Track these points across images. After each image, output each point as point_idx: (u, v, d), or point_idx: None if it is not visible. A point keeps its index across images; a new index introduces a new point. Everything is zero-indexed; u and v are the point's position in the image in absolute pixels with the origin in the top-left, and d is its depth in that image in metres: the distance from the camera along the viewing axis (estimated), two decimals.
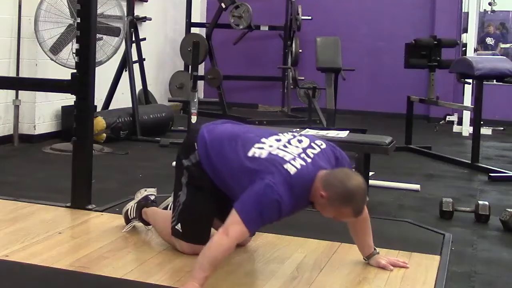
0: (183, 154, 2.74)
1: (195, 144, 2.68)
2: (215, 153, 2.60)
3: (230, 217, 2.37)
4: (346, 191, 2.37)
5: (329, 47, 6.23)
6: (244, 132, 2.65)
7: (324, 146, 2.58)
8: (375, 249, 2.75)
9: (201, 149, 2.65)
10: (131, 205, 3.11)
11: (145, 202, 3.07)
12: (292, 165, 2.42)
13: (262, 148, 2.51)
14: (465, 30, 8.40)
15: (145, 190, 3.16)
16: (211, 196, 2.68)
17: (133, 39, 6.71)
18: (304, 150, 2.52)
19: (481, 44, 9.43)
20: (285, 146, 2.53)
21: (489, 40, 9.43)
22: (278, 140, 2.56)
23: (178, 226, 2.73)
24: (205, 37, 8.33)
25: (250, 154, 2.50)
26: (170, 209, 3.02)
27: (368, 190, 3.96)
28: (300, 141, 2.57)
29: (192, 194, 2.70)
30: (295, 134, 2.67)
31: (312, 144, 2.56)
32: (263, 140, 2.56)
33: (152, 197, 3.12)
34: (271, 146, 2.52)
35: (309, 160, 2.48)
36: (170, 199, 3.11)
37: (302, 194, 2.43)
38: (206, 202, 2.70)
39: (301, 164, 2.44)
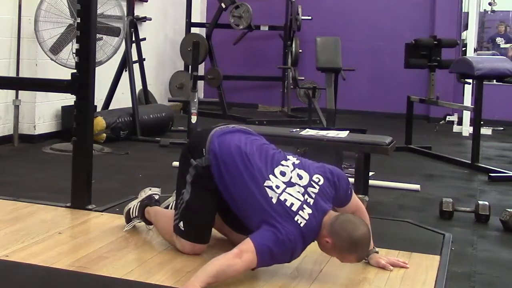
0: (190, 154, 2.73)
1: (203, 150, 2.68)
2: (227, 170, 2.63)
3: (246, 244, 2.44)
4: (351, 242, 2.46)
5: (329, 47, 6.23)
6: (252, 154, 2.64)
7: (321, 182, 2.60)
8: (374, 247, 2.76)
9: (212, 159, 2.66)
10: (133, 204, 3.11)
11: (149, 201, 3.07)
12: (301, 216, 2.50)
13: (271, 187, 2.55)
14: (466, 29, 8.39)
15: (150, 189, 3.16)
16: (214, 197, 2.69)
17: (133, 39, 6.71)
18: (306, 189, 2.56)
19: (491, 43, 9.44)
20: (290, 185, 2.56)
21: (499, 40, 9.44)
22: (283, 174, 2.59)
23: (181, 224, 2.73)
24: (205, 37, 8.33)
25: (263, 191, 2.55)
26: (171, 208, 3.02)
27: (368, 190, 4.00)
28: (300, 177, 2.59)
29: (196, 193, 2.70)
30: (295, 162, 2.66)
31: (312, 182, 2.59)
32: (271, 177, 2.58)
33: (156, 197, 3.12)
34: (278, 187, 2.55)
35: (312, 202, 2.54)
36: (171, 199, 3.11)
37: (311, 241, 2.56)
38: (210, 202, 2.70)
39: (308, 214, 2.51)
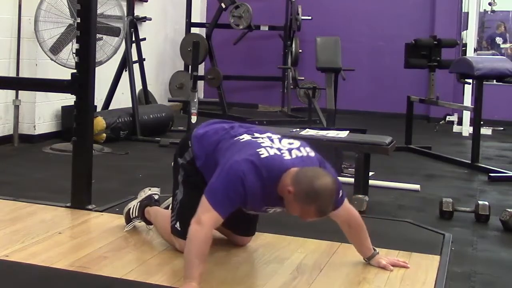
0: (178, 153, 2.78)
1: (189, 142, 2.72)
2: (207, 143, 2.64)
3: (201, 205, 2.39)
4: (311, 189, 2.30)
5: (329, 47, 6.23)
6: (238, 127, 2.68)
7: (312, 154, 2.54)
8: (374, 249, 2.76)
9: (194, 143, 2.68)
10: (133, 204, 3.12)
11: (148, 201, 3.08)
12: (267, 150, 2.42)
13: (247, 135, 2.54)
14: (466, 29, 8.38)
15: (149, 189, 3.17)
16: None
17: (133, 39, 6.71)
18: (290, 149, 2.49)
19: (491, 44, 9.44)
20: (271, 139, 2.53)
21: (499, 40, 9.45)
22: (269, 137, 2.55)
23: (177, 225, 2.74)
24: (205, 37, 8.33)
25: (235, 139, 2.54)
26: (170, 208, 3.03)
27: (368, 190, 4.00)
28: (290, 143, 2.55)
29: (188, 192, 2.71)
30: (289, 138, 2.64)
31: (301, 148, 2.53)
32: (254, 133, 2.58)
33: (156, 197, 3.13)
34: (256, 137, 2.53)
35: (287, 156, 2.45)
36: (171, 200, 3.11)
37: (269, 181, 2.38)
38: None
39: (275, 153, 2.43)
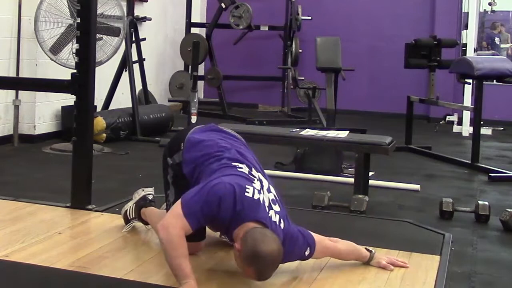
0: (168, 152, 2.76)
1: (182, 144, 2.69)
2: (199, 155, 2.59)
3: (172, 210, 2.37)
4: (253, 252, 2.24)
5: (329, 47, 6.24)
6: (236, 150, 2.60)
7: (282, 225, 2.42)
8: (370, 251, 2.73)
9: (187, 149, 2.65)
10: (129, 206, 3.11)
11: (144, 202, 3.07)
12: (253, 193, 2.36)
13: (243, 168, 2.48)
14: (466, 29, 8.39)
15: (143, 190, 3.16)
16: None
17: (133, 39, 6.71)
18: (270, 206, 2.42)
19: (490, 44, 9.45)
20: (262, 187, 2.45)
21: (498, 40, 9.46)
22: (262, 184, 2.48)
23: None
24: (205, 37, 8.33)
25: (230, 164, 2.48)
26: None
27: (368, 190, 4.00)
28: (273, 200, 2.46)
29: (179, 192, 2.68)
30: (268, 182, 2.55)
31: (279, 215, 2.43)
32: (253, 170, 2.50)
33: (150, 197, 3.12)
34: (253, 176, 2.47)
35: (263, 211, 2.37)
36: None
37: (237, 218, 2.34)
38: None
39: (259, 199, 2.37)
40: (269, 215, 2.39)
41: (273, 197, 2.48)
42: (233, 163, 2.50)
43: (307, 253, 2.50)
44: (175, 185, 2.72)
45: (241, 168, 2.49)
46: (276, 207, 2.45)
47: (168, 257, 2.34)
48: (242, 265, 2.31)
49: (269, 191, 2.48)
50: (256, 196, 2.39)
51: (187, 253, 2.34)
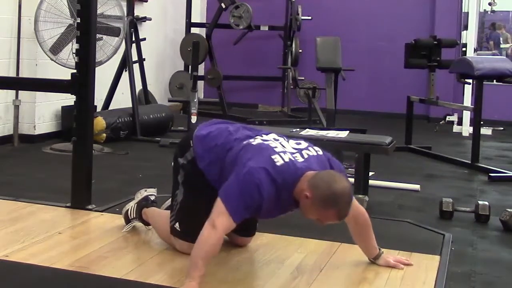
0: (179, 153, 2.76)
1: (191, 141, 2.70)
2: (211, 143, 2.62)
3: (216, 207, 2.37)
4: (330, 194, 2.31)
5: (329, 47, 6.23)
6: (240, 128, 2.67)
7: (321, 153, 2.56)
8: (379, 249, 2.75)
9: (196, 144, 2.67)
10: (131, 206, 3.12)
11: (146, 203, 3.07)
12: (281, 157, 2.41)
13: (256, 139, 2.53)
14: (466, 29, 8.39)
15: (145, 191, 3.16)
16: (207, 194, 2.67)
17: (133, 39, 6.71)
18: (300, 150, 2.51)
19: (494, 44, 9.46)
20: (281, 144, 2.53)
21: (500, 40, 9.47)
22: (276, 140, 2.56)
23: (177, 225, 2.74)
24: (205, 37, 8.33)
25: (244, 142, 2.52)
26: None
27: (368, 190, 4.00)
28: (298, 143, 2.56)
29: (188, 193, 2.70)
30: (294, 137, 2.67)
31: (310, 147, 2.55)
32: (261, 135, 2.57)
33: (152, 197, 3.12)
34: (266, 140, 2.53)
35: (300, 159, 2.45)
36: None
37: (285, 188, 2.39)
38: (203, 200, 2.69)
39: (290, 159, 2.42)
40: (306, 156, 2.46)
41: (295, 141, 2.56)
42: (245, 141, 2.51)
43: None
44: (185, 184, 2.72)
45: (254, 141, 2.50)
46: (303, 144, 2.54)
47: (195, 251, 2.35)
48: (319, 211, 2.35)
49: (287, 140, 2.55)
50: (286, 158, 2.41)
51: (211, 259, 2.37)
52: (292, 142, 2.57)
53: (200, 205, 2.70)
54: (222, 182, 2.52)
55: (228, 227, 2.37)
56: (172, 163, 2.83)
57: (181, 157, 2.73)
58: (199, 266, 2.32)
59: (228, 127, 2.68)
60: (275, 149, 2.44)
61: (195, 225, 2.72)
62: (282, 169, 2.38)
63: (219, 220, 2.34)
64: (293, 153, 2.47)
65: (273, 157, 2.40)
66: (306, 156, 2.48)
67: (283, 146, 2.51)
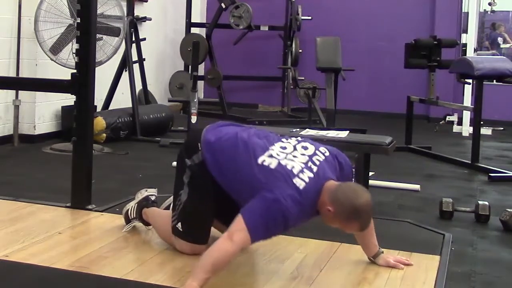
0: (185, 153, 2.73)
1: (199, 144, 2.68)
2: (223, 155, 2.60)
3: (236, 223, 2.36)
4: (353, 209, 2.40)
5: (329, 47, 6.23)
6: (250, 136, 2.63)
7: (327, 153, 2.58)
8: (379, 248, 2.76)
9: (206, 150, 2.64)
10: (131, 205, 3.11)
11: (146, 203, 3.07)
12: (301, 178, 2.43)
13: (271, 156, 2.51)
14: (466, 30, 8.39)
15: (146, 191, 3.16)
16: (212, 196, 2.68)
17: (133, 39, 6.71)
18: (310, 157, 2.53)
19: (492, 44, 9.46)
20: (293, 155, 2.52)
21: (500, 40, 9.47)
22: (284, 148, 2.56)
23: (179, 225, 2.73)
24: (205, 37, 8.33)
25: (260, 161, 2.50)
26: (171, 208, 3.02)
27: (368, 190, 3.99)
28: (305, 148, 2.57)
29: (193, 193, 2.69)
30: (299, 139, 2.66)
31: (317, 152, 2.57)
32: (271, 147, 2.55)
33: (153, 198, 3.12)
34: (278, 154, 2.52)
35: (315, 168, 2.49)
36: (171, 199, 3.10)
37: (310, 207, 2.46)
38: (207, 202, 2.70)
39: (309, 177, 2.45)
40: (318, 163, 2.51)
41: (303, 145, 2.58)
42: (261, 159, 2.50)
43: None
44: (190, 185, 2.70)
45: (270, 163, 2.48)
46: (311, 149, 2.57)
47: (207, 255, 2.34)
48: (343, 223, 2.45)
49: (295, 146, 2.57)
50: (305, 177, 2.44)
51: (219, 271, 2.36)
52: (300, 148, 2.57)
53: (204, 206, 2.70)
54: (239, 192, 2.54)
55: (244, 244, 2.37)
56: (176, 162, 2.81)
57: (188, 158, 2.70)
58: (207, 270, 2.31)
59: (237, 134, 2.64)
60: (293, 170, 2.45)
61: (198, 226, 2.73)
62: (306, 191, 2.42)
63: (238, 235, 2.34)
64: (307, 164, 2.49)
65: (294, 181, 2.42)
66: (318, 163, 2.52)
67: (295, 157, 2.51)
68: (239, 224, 2.35)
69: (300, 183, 2.41)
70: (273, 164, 2.47)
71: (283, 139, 2.63)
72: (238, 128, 2.73)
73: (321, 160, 2.53)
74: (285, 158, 2.50)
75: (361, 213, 2.42)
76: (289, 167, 2.46)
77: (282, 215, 2.36)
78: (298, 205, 2.39)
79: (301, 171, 2.45)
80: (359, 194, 2.43)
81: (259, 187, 2.42)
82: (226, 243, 2.33)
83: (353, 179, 2.68)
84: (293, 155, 2.53)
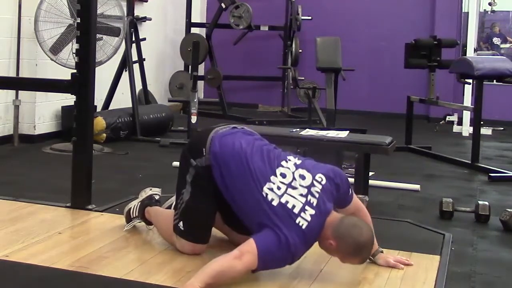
0: (189, 154, 2.73)
1: (204, 149, 2.68)
2: (229, 171, 2.62)
3: (248, 245, 2.43)
4: (356, 246, 2.47)
5: (329, 47, 6.23)
6: (253, 154, 2.63)
7: (324, 181, 2.59)
8: (378, 248, 2.76)
9: (213, 159, 2.65)
10: (134, 204, 3.11)
11: (149, 201, 3.07)
12: (303, 218, 2.48)
13: (272, 190, 2.53)
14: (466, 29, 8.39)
15: (150, 189, 3.16)
16: (215, 197, 2.68)
17: (133, 39, 6.71)
18: (309, 189, 2.55)
19: (488, 44, 9.46)
20: (292, 187, 2.55)
21: (496, 40, 9.46)
22: (284, 176, 2.57)
23: (180, 224, 2.73)
24: (205, 37, 8.33)
25: (263, 193, 2.53)
26: (173, 207, 3.02)
27: (368, 190, 4.00)
28: (303, 178, 2.58)
29: (196, 193, 2.69)
30: (297, 162, 2.65)
31: (314, 182, 2.57)
32: (272, 178, 2.57)
33: (157, 197, 3.12)
34: (279, 188, 2.54)
35: (315, 202, 2.52)
36: (173, 199, 3.10)
37: (313, 241, 2.54)
38: (210, 202, 2.70)
39: (311, 215, 2.49)
40: (317, 194, 2.53)
41: (300, 173, 2.59)
42: (264, 196, 2.52)
43: (350, 193, 2.70)
44: (193, 185, 2.70)
45: (273, 200, 2.51)
46: (308, 178, 2.58)
47: (214, 263, 2.39)
48: (345, 257, 2.52)
49: (294, 174, 2.58)
50: (307, 217, 2.49)
51: (223, 281, 2.39)
52: (298, 177, 2.57)
53: (206, 206, 2.71)
54: (241, 209, 2.60)
55: (250, 267, 2.43)
56: (180, 162, 2.80)
57: (193, 159, 2.70)
58: (211, 276, 2.35)
59: (240, 151, 2.63)
60: (294, 210, 2.49)
61: (199, 226, 2.73)
62: (310, 230, 2.48)
63: (247, 257, 2.40)
64: (307, 198, 2.52)
65: (297, 221, 2.47)
66: (317, 195, 2.55)
67: (295, 189, 2.54)
68: (250, 247, 2.42)
69: (303, 223, 2.47)
70: (275, 201, 2.51)
71: (283, 162, 2.63)
72: (244, 139, 2.70)
73: (319, 191, 2.56)
74: (285, 192, 2.53)
75: (363, 249, 2.50)
76: (289, 205, 2.50)
77: (291, 254, 2.47)
78: (304, 243, 2.49)
79: (303, 209, 2.50)
80: (362, 231, 2.49)
81: (265, 219, 2.48)
82: (236, 260, 2.39)
83: (350, 191, 2.68)
84: (293, 185, 2.55)
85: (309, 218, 2.49)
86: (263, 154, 2.65)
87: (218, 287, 2.37)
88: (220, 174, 2.64)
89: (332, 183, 2.61)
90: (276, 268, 2.52)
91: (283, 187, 2.55)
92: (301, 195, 2.53)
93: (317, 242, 2.57)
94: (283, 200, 2.51)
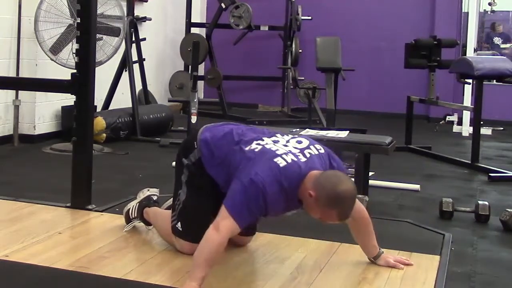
0: (182, 153, 2.77)
1: (195, 143, 2.70)
2: (218, 149, 2.63)
3: (220, 213, 2.39)
4: (334, 194, 2.34)
5: (329, 47, 6.23)
6: (245, 130, 2.67)
7: (322, 151, 2.57)
8: (379, 248, 2.76)
9: (202, 146, 2.67)
10: (132, 205, 3.12)
11: (147, 202, 3.08)
12: (283, 158, 2.43)
13: (259, 144, 2.53)
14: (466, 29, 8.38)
15: (148, 190, 3.17)
16: (211, 195, 2.69)
17: (133, 39, 6.71)
18: (302, 150, 2.52)
19: (489, 44, 9.45)
20: (283, 145, 2.54)
21: (497, 40, 9.46)
22: (276, 142, 2.57)
23: (178, 225, 2.74)
24: (205, 37, 8.33)
25: (247, 148, 2.53)
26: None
27: (368, 190, 4.00)
28: (299, 142, 2.57)
29: (192, 193, 2.70)
30: (295, 135, 2.67)
31: (311, 146, 2.56)
32: (263, 138, 2.58)
33: (155, 197, 3.13)
34: (267, 143, 2.53)
35: (303, 159, 2.47)
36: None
37: (290, 189, 2.42)
38: (206, 201, 2.71)
39: (292, 160, 2.44)
40: (308, 155, 2.48)
41: (296, 140, 2.56)
42: (248, 148, 2.52)
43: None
44: (188, 185, 2.72)
45: (256, 147, 2.51)
46: (305, 143, 2.55)
47: (198, 252, 2.37)
48: (323, 210, 2.37)
49: (288, 141, 2.56)
50: (288, 159, 2.43)
51: (214, 262, 2.37)
52: (293, 142, 2.57)
53: (203, 205, 2.71)
54: (223, 181, 2.56)
55: (232, 230, 2.38)
56: (175, 163, 2.83)
57: (185, 158, 2.73)
58: (201, 267, 2.33)
59: (232, 130, 2.68)
60: (277, 151, 2.46)
61: (197, 225, 2.73)
62: (286, 170, 2.40)
63: (223, 224, 2.36)
64: (296, 154, 2.48)
65: (275, 159, 2.42)
66: (308, 155, 2.50)
67: (286, 146, 2.52)
68: (223, 213, 2.38)
69: (281, 162, 2.41)
70: (258, 148, 2.49)
71: (278, 135, 2.64)
72: (235, 125, 2.76)
73: (312, 154, 2.51)
74: (273, 143, 2.52)
75: (342, 200, 2.35)
76: (273, 149, 2.47)
77: (261, 193, 2.35)
78: (277, 183, 2.38)
79: (285, 153, 2.45)
80: (343, 181, 2.38)
81: (240, 169, 2.44)
82: (213, 234, 2.35)
83: None
84: (284, 144, 2.53)
85: (289, 160, 2.42)
86: (256, 130, 2.69)
87: (218, 285, 2.37)
88: (209, 154, 2.64)
89: (329, 160, 2.56)
90: (258, 215, 2.45)
91: (272, 143, 2.53)
92: (291, 152, 2.47)
93: (303, 204, 2.47)
94: (267, 146, 2.49)
